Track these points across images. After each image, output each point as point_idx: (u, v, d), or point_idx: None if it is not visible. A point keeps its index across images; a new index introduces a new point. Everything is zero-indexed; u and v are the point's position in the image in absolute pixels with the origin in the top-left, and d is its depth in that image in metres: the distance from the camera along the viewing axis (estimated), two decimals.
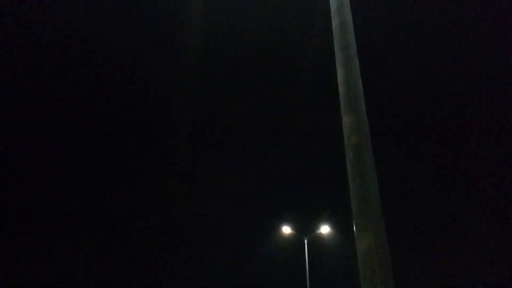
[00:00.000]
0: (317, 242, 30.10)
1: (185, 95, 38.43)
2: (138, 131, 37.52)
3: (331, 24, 3.30)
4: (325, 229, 27.08)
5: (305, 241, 27.07)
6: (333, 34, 3.26)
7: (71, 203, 28.31)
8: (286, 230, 27.46)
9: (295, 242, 29.51)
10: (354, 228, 2.65)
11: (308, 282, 26.62)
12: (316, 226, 27.66)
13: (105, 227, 30.31)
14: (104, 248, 31.21)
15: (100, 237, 30.17)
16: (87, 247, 28.14)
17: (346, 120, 2.99)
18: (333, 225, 27.80)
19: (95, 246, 29.51)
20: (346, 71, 3.04)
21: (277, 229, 29.07)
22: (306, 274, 26.86)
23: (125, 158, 37.11)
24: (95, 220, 29.76)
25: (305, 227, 28.52)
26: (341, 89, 3.06)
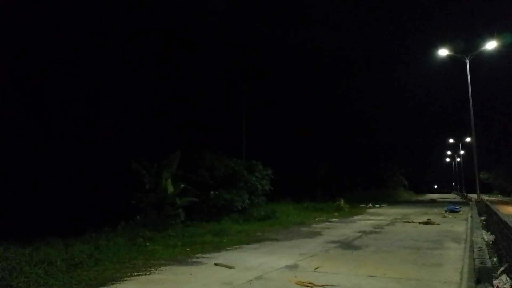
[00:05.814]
0: (482, 63, 26.42)
1: None
2: None
3: None
4: (491, 45, 23.20)
5: (467, 62, 23.90)
6: None
7: None
8: (443, 52, 24.26)
9: (453, 65, 26.29)
10: None
11: (471, 106, 24.25)
12: (479, 44, 23.89)
13: None
14: None
15: None
16: None
17: None
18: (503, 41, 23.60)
19: None
20: None
21: (431, 53, 25.94)
22: (469, 99, 24.36)
23: None
24: None
25: (465, 47, 24.95)
26: None
